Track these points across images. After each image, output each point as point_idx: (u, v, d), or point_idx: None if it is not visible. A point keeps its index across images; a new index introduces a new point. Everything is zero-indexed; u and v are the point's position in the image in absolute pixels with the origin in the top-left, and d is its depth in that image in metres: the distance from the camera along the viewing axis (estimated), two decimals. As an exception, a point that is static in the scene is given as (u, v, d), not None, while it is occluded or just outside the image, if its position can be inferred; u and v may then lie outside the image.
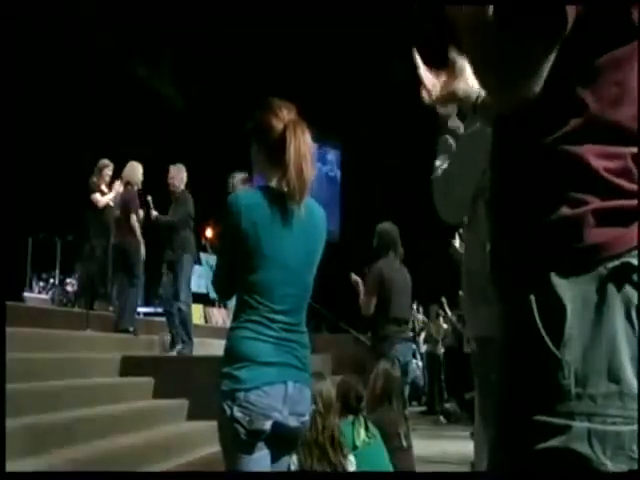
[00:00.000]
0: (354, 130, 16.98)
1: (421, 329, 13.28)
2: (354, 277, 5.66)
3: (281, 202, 2.32)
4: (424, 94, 2.03)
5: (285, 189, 2.32)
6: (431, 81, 2.02)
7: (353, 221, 16.75)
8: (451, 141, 2.58)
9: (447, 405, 10.96)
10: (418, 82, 2.00)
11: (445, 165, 2.51)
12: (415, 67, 1.97)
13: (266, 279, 2.30)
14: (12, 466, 3.47)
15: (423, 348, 13.34)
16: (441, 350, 12.35)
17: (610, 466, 1.12)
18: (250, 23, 14.41)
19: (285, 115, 2.38)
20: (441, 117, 2.59)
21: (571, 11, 1.13)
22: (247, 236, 2.28)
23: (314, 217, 2.45)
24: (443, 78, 2.00)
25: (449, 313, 11.77)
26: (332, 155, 20.11)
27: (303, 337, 2.38)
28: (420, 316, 13.16)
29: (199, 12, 13.51)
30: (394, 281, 5.45)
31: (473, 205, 2.31)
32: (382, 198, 15.79)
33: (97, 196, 8.21)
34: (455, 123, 2.58)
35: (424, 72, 2.03)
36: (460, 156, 2.33)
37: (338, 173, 20.23)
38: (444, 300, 11.82)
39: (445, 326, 12.28)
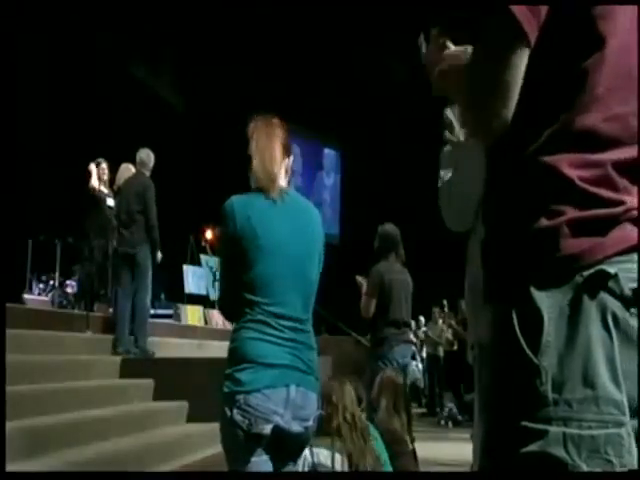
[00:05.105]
0: (354, 132, 16.97)
1: (423, 332, 13.26)
2: (359, 278, 5.64)
3: (268, 199, 2.36)
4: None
5: (258, 185, 2.37)
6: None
7: (353, 223, 16.75)
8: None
9: (446, 407, 10.91)
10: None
11: (450, 175, 2.51)
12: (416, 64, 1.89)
13: (265, 272, 2.29)
14: (12, 468, 3.46)
15: (424, 350, 13.31)
16: (441, 352, 12.33)
17: (585, 469, 1.14)
18: (251, 25, 14.42)
19: (258, 119, 2.43)
20: (446, 124, 2.59)
21: (531, 24, 1.17)
22: (243, 231, 2.29)
23: (307, 212, 2.47)
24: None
25: (447, 314, 11.76)
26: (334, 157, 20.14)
27: (309, 338, 2.37)
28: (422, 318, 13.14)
29: (199, 13, 13.52)
30: (394, 283, 5.43)
31: (476, 213, 2.31)
32: (382, 200, 15.78)
33: (93, 183, 8.15)
34: (457, 134, 2.58)
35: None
36: (462, 165, 2.33)
37: (338, 176, 20.22)
38: (445, 302, 11.81)
39: (445, 328, 12.27)
